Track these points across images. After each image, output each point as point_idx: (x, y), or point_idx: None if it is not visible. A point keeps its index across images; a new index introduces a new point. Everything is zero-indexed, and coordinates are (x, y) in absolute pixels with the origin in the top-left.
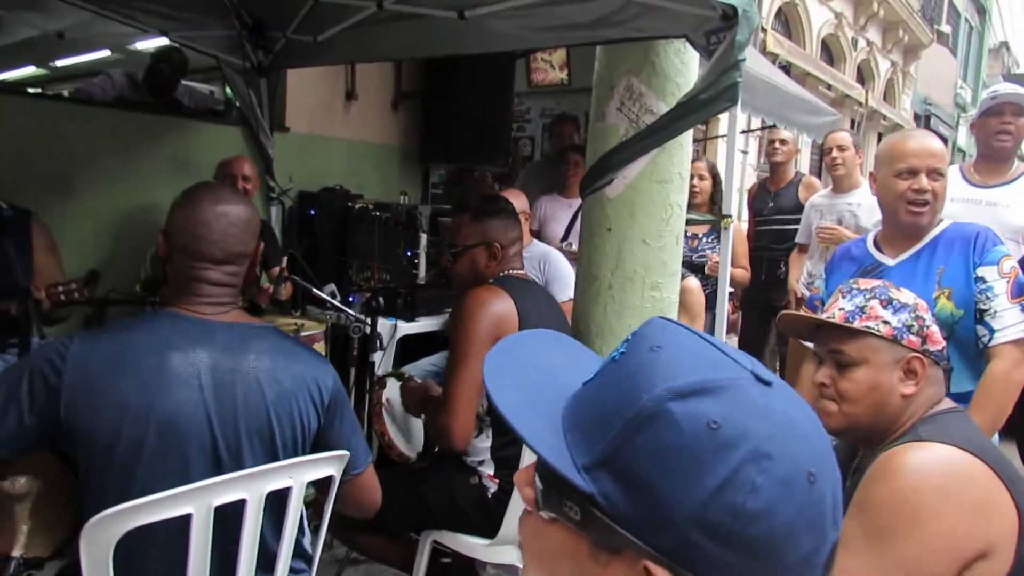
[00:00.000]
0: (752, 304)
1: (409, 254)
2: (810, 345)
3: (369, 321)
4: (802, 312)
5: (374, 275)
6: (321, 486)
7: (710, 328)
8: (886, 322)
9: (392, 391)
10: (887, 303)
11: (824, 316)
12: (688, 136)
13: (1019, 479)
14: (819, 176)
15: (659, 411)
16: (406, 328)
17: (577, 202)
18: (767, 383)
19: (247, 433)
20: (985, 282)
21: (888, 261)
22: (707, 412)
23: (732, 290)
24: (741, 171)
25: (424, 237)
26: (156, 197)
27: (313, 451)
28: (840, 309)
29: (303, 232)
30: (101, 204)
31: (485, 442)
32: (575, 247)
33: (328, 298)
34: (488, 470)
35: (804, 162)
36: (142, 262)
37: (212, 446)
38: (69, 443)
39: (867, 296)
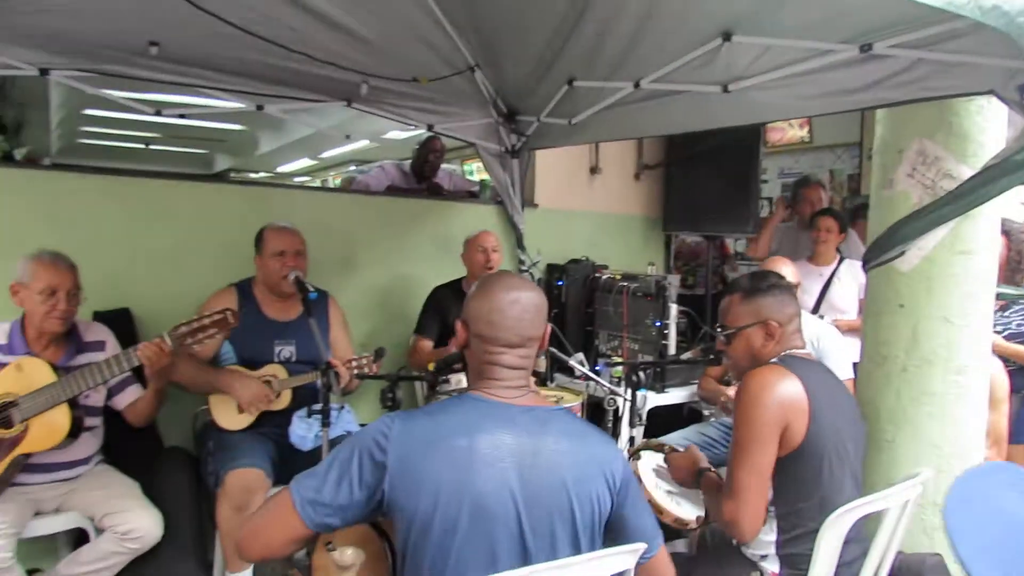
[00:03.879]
0: None
1: (659, 324)
2: None
3: (628, 394)
4: None
5: (621, 345)
6: None
7: (1017, 413)
8: None
9: (647, 463)
10: None
11: None
12: (996, 202)
13: None
14: None
15: None
16: (656, 400)
17: (828, 270)
18: None
19: (550, 516)
20: None
21: None
22: None
23: None
24: None
25: (675, 308)
26: (417, 271)
27: (605, 533)
28: None
29: (551, 303)
30: (374, 281)
31: (770, 535)
32: (826, 319)
33: (586, 370)
34: (772, 567)
35: None
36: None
37: (518, 530)
38: (390, 516)
39: None
